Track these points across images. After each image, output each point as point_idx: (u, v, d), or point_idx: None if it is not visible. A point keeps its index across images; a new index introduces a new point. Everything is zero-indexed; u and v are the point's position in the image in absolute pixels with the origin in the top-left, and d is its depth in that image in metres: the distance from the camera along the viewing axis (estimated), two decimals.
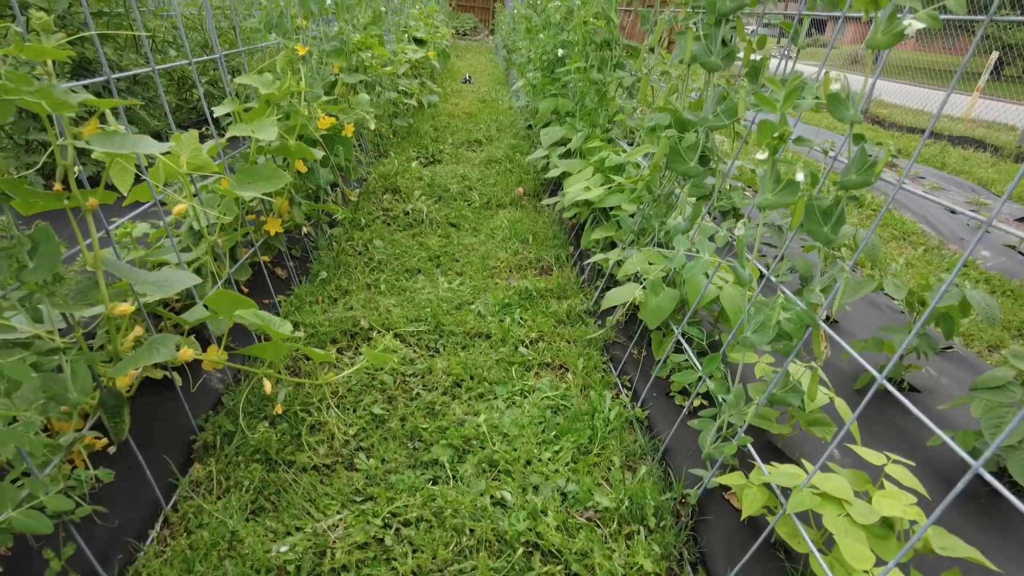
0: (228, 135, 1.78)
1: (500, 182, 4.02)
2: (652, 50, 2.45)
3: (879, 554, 1.05)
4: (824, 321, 1.17)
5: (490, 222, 3.36)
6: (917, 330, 0.99)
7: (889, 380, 1.69)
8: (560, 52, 3.53)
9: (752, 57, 1.58)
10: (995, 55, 9.36)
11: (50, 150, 1.09)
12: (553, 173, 3.19)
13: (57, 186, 1.10)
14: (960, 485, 0.78)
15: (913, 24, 0.98)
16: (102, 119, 1.17)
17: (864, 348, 1.96)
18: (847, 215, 1.14)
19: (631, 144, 2.99)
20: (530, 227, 3.28)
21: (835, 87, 1.10)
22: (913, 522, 1.12)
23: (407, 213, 3.34)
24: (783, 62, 1.60)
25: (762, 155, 1.16)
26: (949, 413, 1.90)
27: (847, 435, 1.62)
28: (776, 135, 1.13)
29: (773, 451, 1.63)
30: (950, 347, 2.35)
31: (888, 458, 1.23)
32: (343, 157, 2.59)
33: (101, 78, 1.29)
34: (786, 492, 1.25)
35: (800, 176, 1.12)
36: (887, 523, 1.14)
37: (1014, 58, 9.79)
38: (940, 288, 1.75)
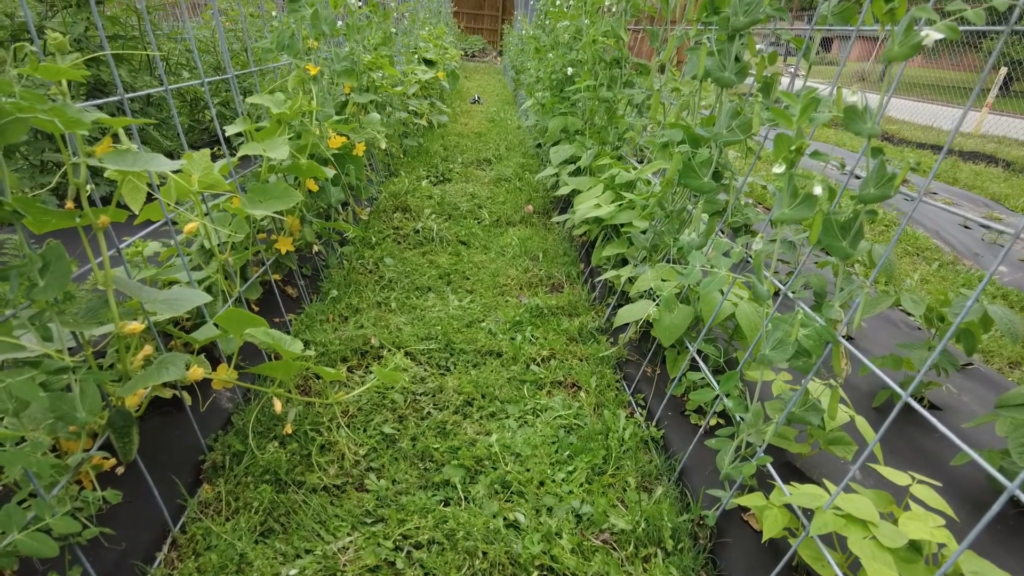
0: (240, 154, 1.79)
1: (510, 200, 4.02)
2: (662, 68, 2.46)
3: None
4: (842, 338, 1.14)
5: (500, 240, 3.36)
6: (943, 346, 0.96)
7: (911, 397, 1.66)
8: (569, 71, 3.54)
9: (763, 73, 1.58)
10: (1003, 71, 9.36)
11: (63, 169, 1.09)
12: (563, 191, 3.19)
13: (69, 204, 1.10)
14: (996, 507, 0.75)
15: (931, 35, 0.96)
16: (115, 138, 1.17)
17: (882, 365, 1.92)
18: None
19: (641, 162, 2.99)
20: (540, 244, 3.28)
21: (853, 99, 1.09)
22: (942, 545, 1.09)
23: (417, 231, 3.34)
24: (792, 80, 1.59)
25: (778, 169, 1.15)
26: (971, 432, 1.85)
27: (869, 455, 1.58)
28: (793, 148, 1.11)
29: (792, 471, 1.60)
30: (970, 364, 2.30)
31: (913, 478, 1.19)
32: (354, 176, 2.60)
33: (115, 98, 1.30)
34: (808, 513, 1.21)
35: (818, 190, 1.10)
36: (914, 546, 1.10)
37: (1022, 74, 9.77)
38: (960, 303, 1.73)
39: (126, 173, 1.20)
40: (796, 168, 1.18)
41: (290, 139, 2.04)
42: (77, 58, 1.07)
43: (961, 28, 0.99)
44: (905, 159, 1.05)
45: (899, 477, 1.20)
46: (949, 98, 10.88)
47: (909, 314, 2.79)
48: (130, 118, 1.14)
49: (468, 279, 2.84)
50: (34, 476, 1.01)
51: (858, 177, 4.17)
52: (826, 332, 1.13)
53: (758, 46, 1.69)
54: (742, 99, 1.67)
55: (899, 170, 1.06)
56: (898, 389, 1.00)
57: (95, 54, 1.24)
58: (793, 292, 1.27)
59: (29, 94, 0.90)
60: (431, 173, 4.53)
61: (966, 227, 4.38)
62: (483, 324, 2.41)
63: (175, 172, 1.46)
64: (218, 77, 1.86)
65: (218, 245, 1.75)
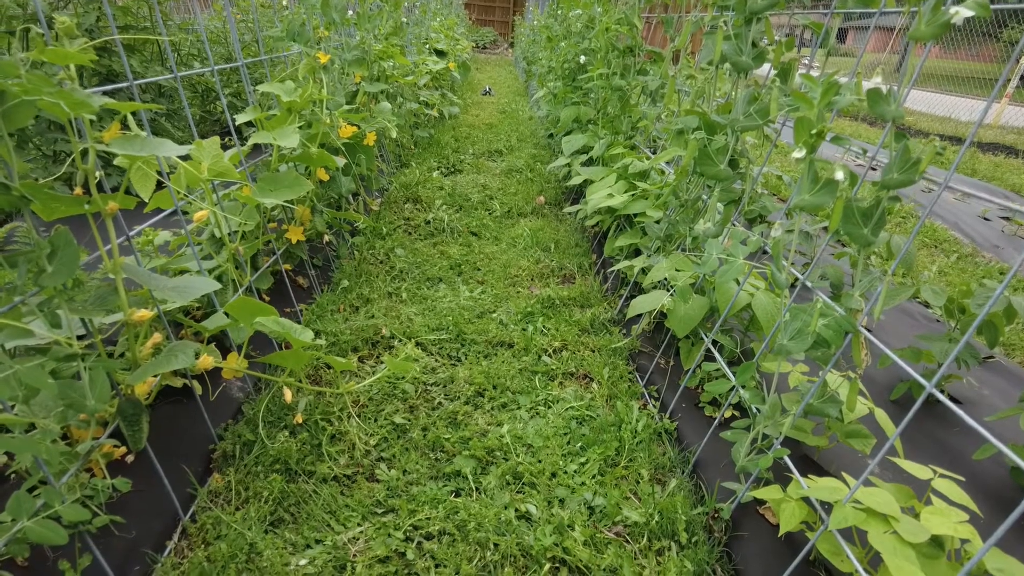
0: (250, 142, 1.78)
1: (521, 191, 3.99)
2: (677, 56, 2.42)
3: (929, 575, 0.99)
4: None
5: (511, 231, 3.33)
6: (968, 337, 0.93)
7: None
8: (582, 59, 3.50)
9: (781, 59, 1.54)
10: None
11: (72, 157, 1.08)
12: (575, 181, 3.16)
13: (78, 190, 1.09)
14: None
15: (961, 13, 0.93)
16: (124, 124, 1.16)
17: (901, 357, 1.88)
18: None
19: (654, 151, 2.95)
20: (552, 235, 3.25)
21: (875, 81, 1.05)
22: (965, 541, 1.06)
23: (428, 222, 3.32)
24: (807, 70, 1.55)
25: (799, 154, 1.11)
26: (993, 427, 1.81)
27: (889, 448, 1.55)
28: (814, 132, 1.08)
29: (808, 464, 1.57)
30: (991, 357, 2.26)
31: (935, 472, 1.16)
32: (365, 166, 2.59)
33: (124, 84, 1.29)
34: (826, 507, 1.19)
35: (839, 175, 1.07)
36: (936, 542, 1.07)
37: None
38: (983, 295, 1.68)
39: (135, 159, 1.19)
40: (816, 154, 1.15)
41: (300, 128, 2.02)
42: (85, 43, 1.06)
43: (992, 6, 0.96)
44: (931, 144, 1.02)
45: (920, 471, 1.18)
46: (967, 89, 10.70)
47: (927, 306, 2.74)
48: (138, 103, 1.12)
49: (479, 270, 2.83)
50: (44, 464, 1.00)
51: (874, 169, 4.10)
52: (846, 322, 1.10)
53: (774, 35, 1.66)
54: (759, 85, 1.63)
55: (923, 156, 1.02)
56: (922, 380, 0.97)
57: (104, 38, 1.22)
58: (811, 282, 1.24)
59: (35, 77, 0.89)
60: (442, 164, 4.51)
61: (985, 219, 4.30)
62: (494, 315, 2.39)
63: (184, 159, 1.45)
64: (228, 65, 1.85)
65: (229, 234, 1.75)
